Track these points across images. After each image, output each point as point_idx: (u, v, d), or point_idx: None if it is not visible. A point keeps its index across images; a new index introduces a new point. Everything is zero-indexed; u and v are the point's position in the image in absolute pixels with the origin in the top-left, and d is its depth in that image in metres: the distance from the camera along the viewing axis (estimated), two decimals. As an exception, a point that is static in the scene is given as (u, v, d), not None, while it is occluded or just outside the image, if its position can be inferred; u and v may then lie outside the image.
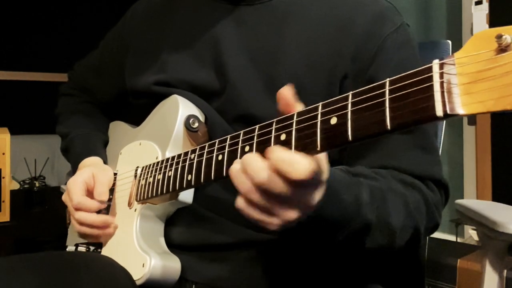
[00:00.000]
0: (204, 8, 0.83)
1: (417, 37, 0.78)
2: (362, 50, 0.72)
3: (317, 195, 0.50)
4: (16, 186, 2.53)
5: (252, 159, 0.49)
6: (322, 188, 0.51)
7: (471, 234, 1.90)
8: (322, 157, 0.49)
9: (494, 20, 1.89)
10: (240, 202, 0.51)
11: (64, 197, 0.83)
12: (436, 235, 1.84)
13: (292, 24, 0.76)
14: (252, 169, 0.48)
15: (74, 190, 0.79)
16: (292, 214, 0.50)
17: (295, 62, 0.73)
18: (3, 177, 1.66)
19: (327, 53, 0.73)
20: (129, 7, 0.99)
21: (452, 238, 1.88)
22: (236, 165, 0.51)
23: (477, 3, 1.92)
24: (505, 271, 1.27)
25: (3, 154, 1.66)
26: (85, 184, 0.80)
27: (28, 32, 2.90)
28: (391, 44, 0.73)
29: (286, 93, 0.50)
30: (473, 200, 1.79)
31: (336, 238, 0.59)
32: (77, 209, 0.79)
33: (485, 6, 1.90)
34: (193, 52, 0.81)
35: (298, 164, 0.45)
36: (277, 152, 0.47)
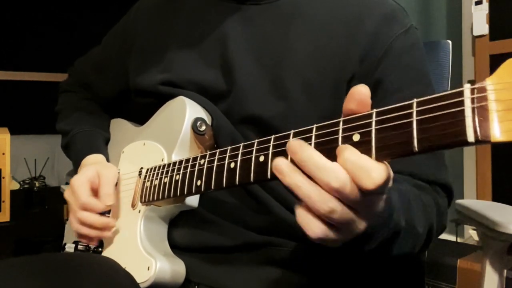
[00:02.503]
0: (209, 6, 0.83)
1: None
2: (370, 51, 0.72)
3: (382, 204, 0.45)
4: (16, 186, 2.53)
5: (323, 162, 0.42)
6: (385, 196, 0.46)
7: (471, 234, 1.90)
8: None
9: (494, 20, 1.89)
10: (303, 218, 0.44)
11: (67, 195, 0.82)
12: (436, 235, 1.84)
13: (299, 24, 0.75)
14: (327, 174, 0.42)
15: (80, 190, 0.78)
16: (360, 226, 0.44)
17: (302, 62, 0.73)
18: (3, 177, 1.66)
19: (335, 54, 0.72)
20: (130, 6, 0.99)
21: (452, 238, 1.88)
22: (289, 169, 0.44)
23: (477, 3, 1.92)
24: (505, 271, 1.27)
25: (3, 154, 1.66)
26: (89, 183, 0.79)
27: (28, 32, 2.89)
28: (399, 45, 0.72)
29: (363, 91, 0.44)
30: (473, 200, 1.79)
31: (366, 248, 0.55)
32: (82, 209, 0.78)
33: (485, 6, 1.90)
34: (199, 51, 0.80)
35: (375, 172, 0.40)
36: (352, 156, 0.41)
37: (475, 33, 1.93)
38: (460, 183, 1.99)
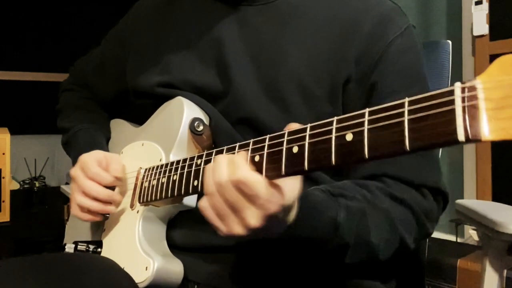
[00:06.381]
0: (205, 8, 0.83)
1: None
2: (366, 54, 0.71)
3: (264, 220, 0.51)
4: (16, 186, 2.53)
5: (220, 161, 0.52)
6: (275, 216, 0.51)
7: (471, 234, 1.90)
8: (288, 192, 0.51)
9: (494, 20, 1.89)
10: (203, 201, 0.54)
11: (73, 171, 0.81)
12: (436, 235, 1.84)
13: (295, 26, 0.75)
14: (217, 171, 0.52)
15: (90, 162, 0.79)
16: (237, 228, 0.52)
17: (298, 64, 0.73)
18: (3, 177, 1.66)
19: (331, 56, 0.72)
20: (129, 7, 0.99)
21: (452, 238, 1.88)
22: (210, 163, 0.54)
23: (477, 3, 1.92)
24: (505, 271, 1.27)
25: (3, 154, 1.67)
26: (97, 162, 0.80)
27: (28, 32, 2.90)
28: (395, 48, 0.72)
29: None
30: (473, 200, 1.79)
31: (315, 252, 0.62)
32: (90, 179, 0.78)
33: (485, 6, 1.90)
34: (196, 53, 0.80)
35: (251, 179, 0.49)
36: (239, 161, 0.51)
37: (475, 33, 1.93)
38: (460, 183, 1.99)
